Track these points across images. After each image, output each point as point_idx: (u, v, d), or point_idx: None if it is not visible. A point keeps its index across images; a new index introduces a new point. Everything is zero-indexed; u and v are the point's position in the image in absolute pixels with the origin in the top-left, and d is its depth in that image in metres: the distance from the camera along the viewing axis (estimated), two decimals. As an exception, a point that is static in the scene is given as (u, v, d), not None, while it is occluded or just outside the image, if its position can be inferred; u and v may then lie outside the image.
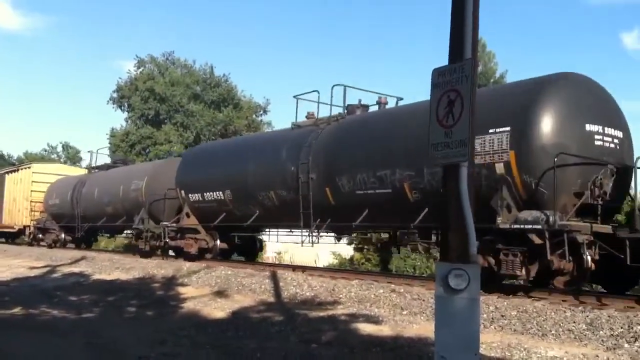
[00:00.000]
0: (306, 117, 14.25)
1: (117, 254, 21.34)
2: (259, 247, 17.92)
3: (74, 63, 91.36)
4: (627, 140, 9.68)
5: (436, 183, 9.52)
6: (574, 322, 6.99)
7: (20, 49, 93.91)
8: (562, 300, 8.56)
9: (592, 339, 6.51)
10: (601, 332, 6.64)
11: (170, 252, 18.34)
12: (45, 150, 61.60)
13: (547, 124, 8.79)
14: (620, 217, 10.98)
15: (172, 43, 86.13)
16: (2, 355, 6.18)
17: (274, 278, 11.62)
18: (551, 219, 8.27)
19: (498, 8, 62.96)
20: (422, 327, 7.45)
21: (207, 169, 15.86)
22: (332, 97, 13.35)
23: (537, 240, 8.49)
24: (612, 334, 6.53)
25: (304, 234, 13.36)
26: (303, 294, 10.25)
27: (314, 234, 13.01)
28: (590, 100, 9.34)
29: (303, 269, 14.41)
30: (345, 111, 13.25)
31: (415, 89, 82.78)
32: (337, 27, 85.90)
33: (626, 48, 71.33)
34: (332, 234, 14.85)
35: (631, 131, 9.89)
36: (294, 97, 14.17)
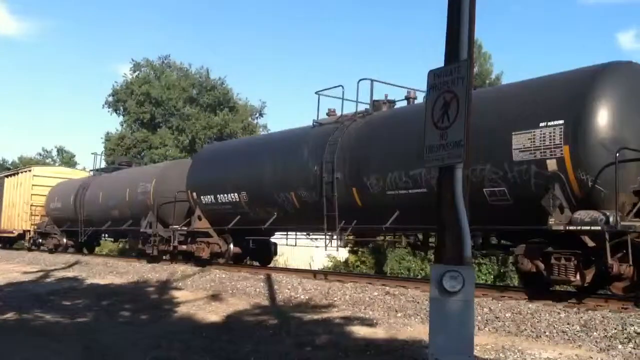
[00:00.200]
0: (327, 114, 13.51)
1: (111, 258, 21.23)
2: (273, 251, 16.98)
3: (69, 67, 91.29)
4: None
5: (478, 181, 8.90)
6: (568, 324, 7.01)
7: (15, 54, 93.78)
8: (556, 302, 8.56)
9: (585, 340, 6.53)
10: (595, 333, 6.66)
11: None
12: (40, 155, 61.34)
13: (606, 116, 8.03)
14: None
15: (168, 47, 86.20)
16: None
17: (269, 281, 11.61)
18: (611, 219, 7.60)
19: (494, 9, 63.25)
20: (417, 330, 7.46)
21: (220, 170, 15.11)
22: (357, 92, 12.50)
23: (590, 243, 7.92)
24: (605, 335, 6.55)
25: (327, 237, 12.30)
26: (297, 297, 10.24)
27: (340, 237, 12.14)
28: None
29: (298, 272, 14.39)
30: (371, 107, 12.41)
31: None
32: (334, 28, 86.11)
33: (622, 48, 71.76)
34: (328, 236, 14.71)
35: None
36: (316, 93, 13.18)
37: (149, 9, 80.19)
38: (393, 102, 12.60)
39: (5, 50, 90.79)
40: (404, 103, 12.50)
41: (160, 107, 40.62)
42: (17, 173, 29.25)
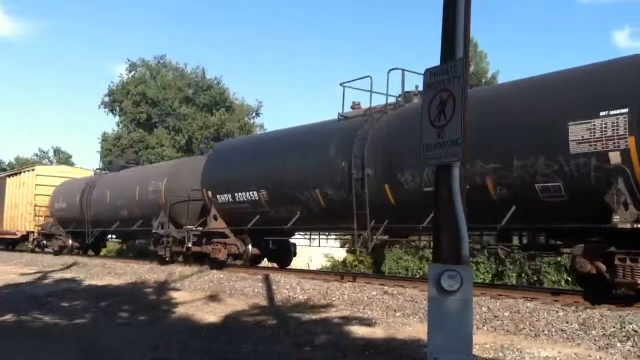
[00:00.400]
0: (351, 107, 12.75)
1: (109, 259, 21.18)
2: (293, 252, 16.11)
3: (65, 67, 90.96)
4: None
5: (529, 177, 8.39)
6: (567, 322, 7.01)
7: (11, 54, 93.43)
8: (554, 300, 8.57)
9: (584, 339, 6.53)
10: (593, 331, 6.66)
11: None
12: (37, 155, 61.17)
13: None
14: None
15: (164, 46, 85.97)
16: None
17: (267, 281, 11.60)
18: None
19: (490, 8, 63.34)
20: (415, 329, 7.45)
21: (238, 167, 14.37)
22: (388, 82, 11.68)
23: None
24: (604, 334, 6.55)
25: (357, 236, 11.42)
26: (296, 297, 10.24)
27: (372, 237, 11.24)
28: None
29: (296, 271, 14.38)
30: (403, 98, 11.66)
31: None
32: (332, 27, 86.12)
33: (618, 46, 71.76)
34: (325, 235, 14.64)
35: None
36: (341, 84, 12.33)
37: (145, 8, 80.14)
38: None
39: (1, 51, 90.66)
40: None
41: (157, 107, 40.56)
42: (20, 172, 28.50)
